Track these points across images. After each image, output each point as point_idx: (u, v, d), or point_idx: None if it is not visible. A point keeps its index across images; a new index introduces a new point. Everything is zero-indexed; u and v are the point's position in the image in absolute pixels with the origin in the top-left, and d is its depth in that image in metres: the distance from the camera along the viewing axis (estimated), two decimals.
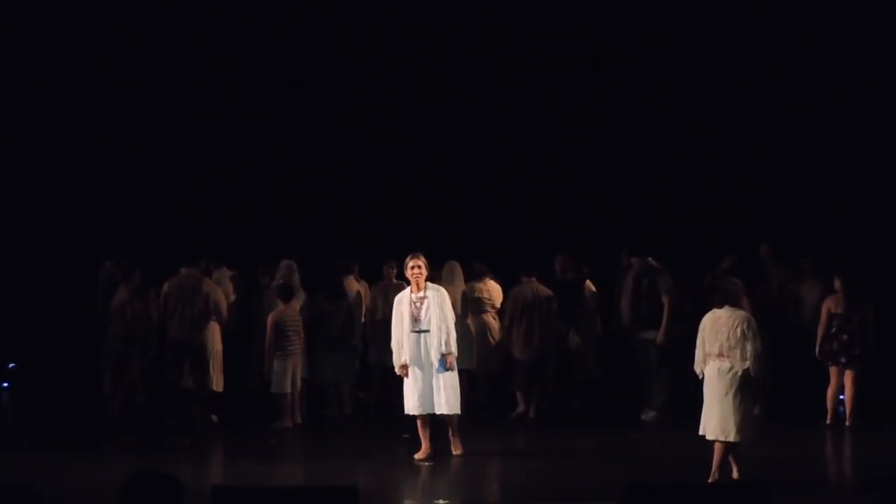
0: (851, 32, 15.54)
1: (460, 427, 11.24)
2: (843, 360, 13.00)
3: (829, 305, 13.02)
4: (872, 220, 15.57)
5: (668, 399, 13.49)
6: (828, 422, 13.06)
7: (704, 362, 10.01)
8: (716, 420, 9.88)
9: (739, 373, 9.82)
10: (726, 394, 9.83)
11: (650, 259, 13.58)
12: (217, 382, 13.40)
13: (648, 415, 13.59)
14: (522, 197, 16.28)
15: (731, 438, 9.90)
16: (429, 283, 11.20)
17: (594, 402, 14.31)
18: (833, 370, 13.09)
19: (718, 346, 9.87)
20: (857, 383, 12.99)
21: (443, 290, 11.33)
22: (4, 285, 15.24)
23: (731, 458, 10.13)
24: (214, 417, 13.33)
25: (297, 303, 13.47)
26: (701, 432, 10.15)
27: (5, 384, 15.63)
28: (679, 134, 16.03)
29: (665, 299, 13.31)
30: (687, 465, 11.06)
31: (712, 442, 10.05)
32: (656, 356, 13.48)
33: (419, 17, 15.86)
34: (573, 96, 16.08)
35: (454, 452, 11.16)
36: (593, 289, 14.37)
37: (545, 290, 13.80)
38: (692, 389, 13.14)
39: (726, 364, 9.85)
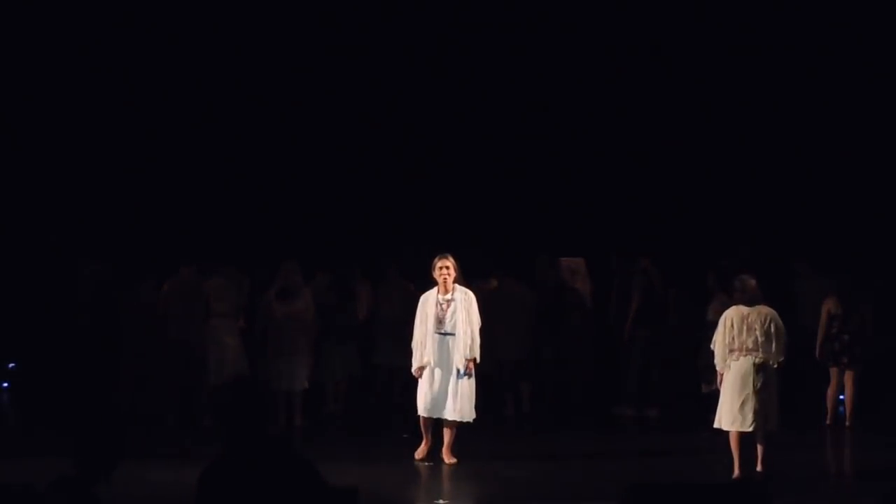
0: (844, 32, 15.50)
1: (458, 437, 11.03)
2: (844, 360, 13.01)
3: (828, 306, 13.04)
4: (870, 219, 15.54)
5: (655, 396, 13.75)
6: (828, 422, 13.07)
7: (729, 357, 10.32)
8: (750, 413, 10.23)
9: (773, 366, 10.30)
10: (764, 387, 10.26)
11: (637, 259, 13.87)
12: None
13: (651, 412, 13.73)
14: (521, 196, 16.25)
15: (769, 427, 10.30)
16: (457, 286, 10.96)
17: (593, 403, 14.36)
18: (833, 371, 13.09)
19: (752, 342, 10.28)
20: (857, 384, 13.01)
21: (471, 293, 11.05)
22: (4, 285, 15.21)
23: (737, 454, 10.33)
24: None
25: (300, 302, 13.52)
26: (722, 427, 10.41)
27: (5, 384, 15.62)
28: (674, 134, 16.01)
29: (634, 297, 13.69)
30: (687, 466, 11.10)
31: (740, 434, 10.31)
32: (639, 354, 13.78)
33: (419, 19, 15.85)
34: (569, 95, 16.06)
35: (446, 461, 10.92)
36: (586, 289, 14.43)
37: (522, 289, 14.00)
38: (688, 388, 13.50)
39: (759, 359, 10.26)
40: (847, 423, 12.99)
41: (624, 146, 16.08)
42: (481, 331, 13.78)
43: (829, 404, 13.13)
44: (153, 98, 15.89)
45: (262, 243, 15.14)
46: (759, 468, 10.38)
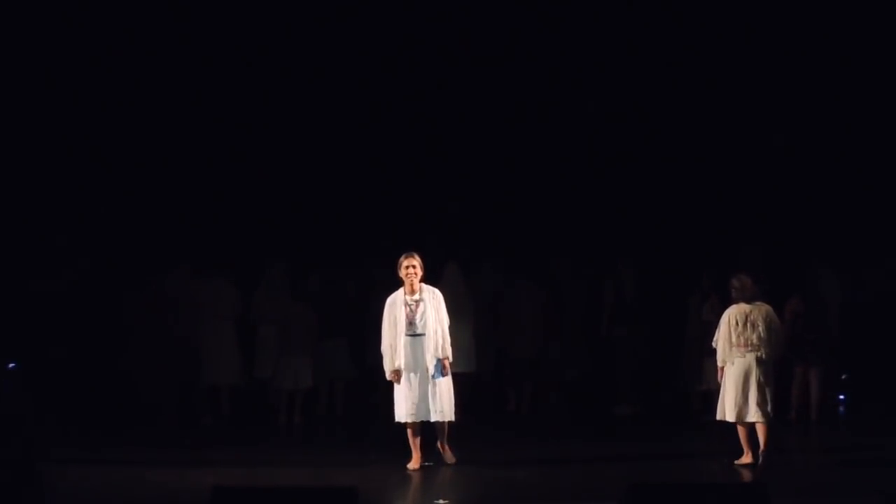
0: (830, 35, 15.49)
1: (451, 435, 10.92)
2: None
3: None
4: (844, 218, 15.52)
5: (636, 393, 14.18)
6: (792, 416, 13.31)
7: (733, 352, 10.85)
8: (754, 404, 10.78)
9: (773, 360, 10.91)
10: (765, 380, 10.83)
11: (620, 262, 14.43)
12: (226, 375, 13.61)
13: (622, 409, 14.09)
14: (520, 198, 16.23)
15: (768, 417, 10.84)
16: (423, 285, 10.80)
17: (593, 403, 14.44)
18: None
19: (756, 338, 10.83)
20: (821, 381, 13.44)
21: (438, 292, 10.88)
22: (5, 285, 15.19)
23: (746, 442, 10.87)
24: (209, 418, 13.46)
25: (303, 302, 13.63)
26: (726, 419, 10.91)
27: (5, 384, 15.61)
28: (662, 140, 16.00)
29: (605, 299, 14.34)
30: (686, 466, 11.13)
31: (746, 425, 10.85)
32: (621, 353, 14.26)
33: (417, 22, 15.82)
34: (572, 96, 16.05)
35: (447, 462, 10.84)
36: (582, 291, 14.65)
37: (534, 290, 14.21)
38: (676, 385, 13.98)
39: (761, 353, 10.80)
40: (813, 417, 13.36)
41: (635, 151, 16.05)
42: (488, 329, 13.98)
43: (795, 402, 13.42)
44: (147, 100, 15.81)
45: (254, 244, 15.16)
46: (752, 458, 10.79)
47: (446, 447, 10.93)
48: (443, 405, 10.70)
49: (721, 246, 14.66)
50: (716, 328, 11.08)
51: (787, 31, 15.59)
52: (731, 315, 10.92)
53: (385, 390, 14.27)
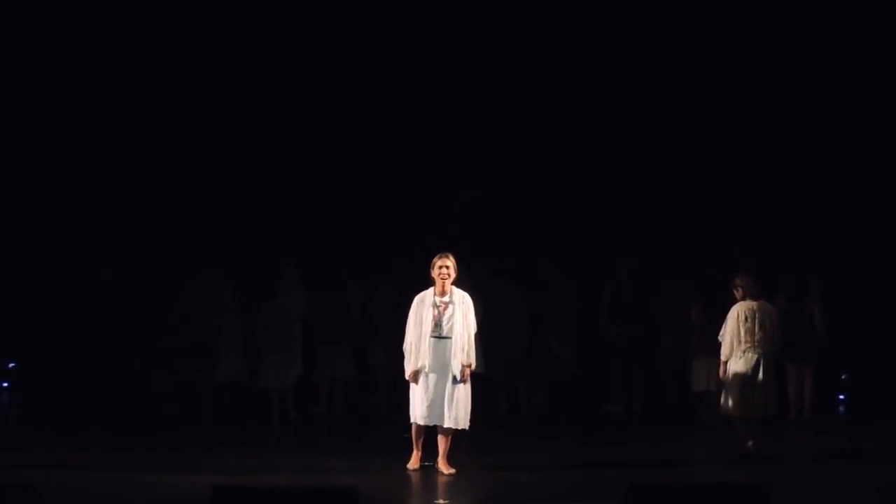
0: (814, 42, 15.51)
1: (453, 445, 10.73)
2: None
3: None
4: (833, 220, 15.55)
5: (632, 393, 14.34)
6: (792, 416, 13.51)
7: (739, 347, 11.08)
8: (760, 399, 11.09)
9: (774, 356, 11.25)
10: (770, 376, 11.05)
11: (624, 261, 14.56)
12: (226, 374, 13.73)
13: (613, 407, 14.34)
14: (519, 197, 16.25)
15: (772, 412, 11.28)
16: (454, 288, 10.58)
17: (590, 402, 14.48)
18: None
19: (762, 334, 11.11)
20: (815, 378, 13.69)
21: (468, 297, 10.66)
22: (5, 285, 15.19)
23: (745, 432, 11.17)
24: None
25: (286, 301, 13.65)
26: (731, 413, 11.18)
27: (5, 384, 15.62)
28: (653, 142, 16.01)
29: (603, 297, 14.49)
30: (686, 466, 11.14)
31: (749, 419, 11.15)
32: (617, 352, 14.44)
33: (417, 22, 15.83)
34: (571, 97, 16.05)
35: (444, 472, 10.59)
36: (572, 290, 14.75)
37: (511, 289, 14.27)
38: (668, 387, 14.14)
39: (766, 349, 11.12)
40: (807, 415, 13.61)
41: (611, 149, 16.06)
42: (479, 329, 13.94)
43: (793, 401, 13.63)
44: (147, 102, 15.83)
45: (256, 245, 15.17)
46: (751, 446, 11.11)
47: (445, 457, 10.69)
48: (457, 412, 10.52)
49: (707, 251, 14.74)
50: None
51: (785, 38, 15.59)
52: (740, 311, 11.16)
53: (385, 391, 14.36)
